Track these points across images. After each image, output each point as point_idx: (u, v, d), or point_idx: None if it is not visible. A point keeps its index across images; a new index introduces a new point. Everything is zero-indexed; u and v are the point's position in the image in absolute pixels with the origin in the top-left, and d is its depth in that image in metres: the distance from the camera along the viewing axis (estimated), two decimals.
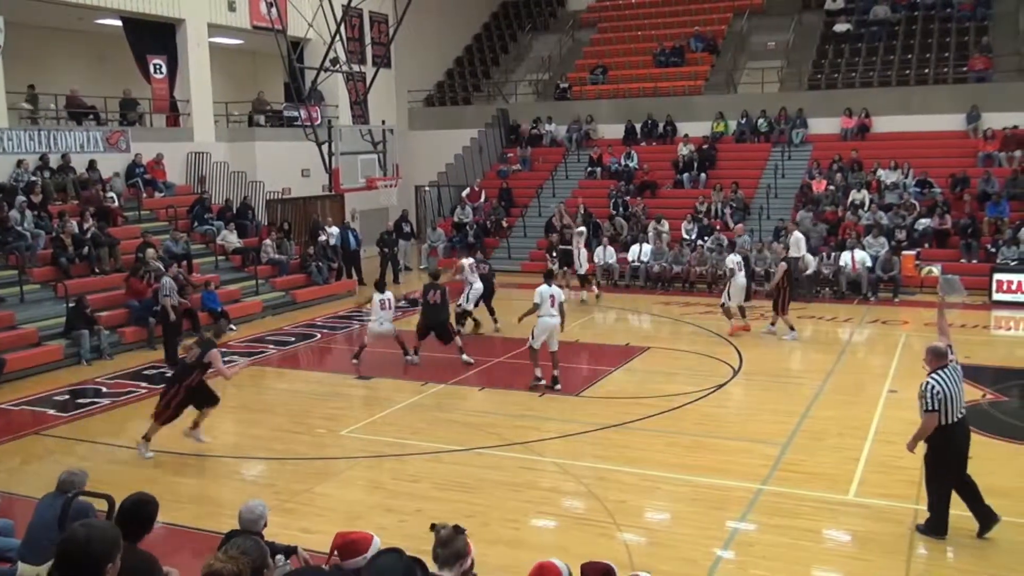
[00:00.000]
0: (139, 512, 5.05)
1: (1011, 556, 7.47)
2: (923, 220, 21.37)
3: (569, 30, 33.16)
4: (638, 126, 27.69)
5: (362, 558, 4.64)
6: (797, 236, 19.87)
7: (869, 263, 19.92)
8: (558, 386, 12.85)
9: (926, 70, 25.87)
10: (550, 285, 12.94)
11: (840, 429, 10.88)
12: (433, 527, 4.49)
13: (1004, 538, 7.71)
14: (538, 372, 12.95)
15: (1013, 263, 19.46)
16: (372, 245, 23.97)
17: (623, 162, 26.70)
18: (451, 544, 4.40)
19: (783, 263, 16.26)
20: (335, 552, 4.74)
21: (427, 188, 28.39)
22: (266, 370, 14.85)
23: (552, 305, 12.77)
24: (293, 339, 17.00)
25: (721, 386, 12.97)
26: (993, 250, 20.15)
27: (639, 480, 9.34)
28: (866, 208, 22.04)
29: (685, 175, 25.75)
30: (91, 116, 21.48)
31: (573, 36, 33.04)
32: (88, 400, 13.04)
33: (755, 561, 7.53)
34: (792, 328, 15.97)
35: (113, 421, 12.06)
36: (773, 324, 16.33)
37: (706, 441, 10.67)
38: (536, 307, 12.89)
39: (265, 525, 5.75)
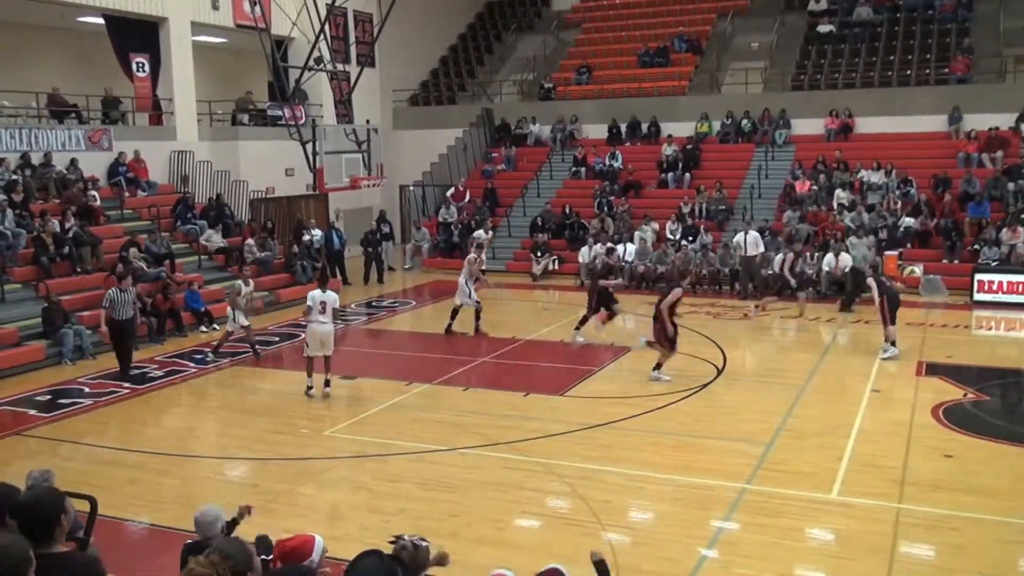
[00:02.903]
0: (39, 509, 3.95)
1: (992, 554, 7.51)
2: (906, 220, 21.52)
3: (554, 30, 33.16)
4: (622, 126, 27.70)
5: (310, 561, 4.55)
6: (753, 235, 20.25)
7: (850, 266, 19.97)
8: (328, 388, 12.59)
9: (908, 71, 26.06)
10: (324, 291, 12.63)
11: (823, 428, 10.92)
12: (393, 541, 4.49)
13: (986, 536, 7.75)
14: (310, 381, 12.66)
15: (994, 263, 19.62)
16: (356, 245, 23.90)
17: (607, 162, 26.72)
18: (414, 560, 4.43)
19: (872, 271, 14.71)
20: (278, 563, 4.58)
21: (412, 188, 28.35)
22: (249, 370, 14.78)
23: (323, 312, 12.43)
24: (277, 339, 16.91)
25: (705, 386, 13.00)
26: (976, 248, 20.26)
27: (623, 480, 9.35)
28: (849, 207, 22.13)
29: (669, 175, 25.82)
30: (73, 114, 21.31)
31: (558, 36, 33.04)
32: (70, 400, 12.91)
33: (739, 560, 7.55)
34: (889, 343, 14.07)
35: (96, 421, 11.96)
36: (893, 344, 14.20)
37: (690, 441, 10.70)
38: (309, 311, 12.56)
39: (223, 529, 5.57)
